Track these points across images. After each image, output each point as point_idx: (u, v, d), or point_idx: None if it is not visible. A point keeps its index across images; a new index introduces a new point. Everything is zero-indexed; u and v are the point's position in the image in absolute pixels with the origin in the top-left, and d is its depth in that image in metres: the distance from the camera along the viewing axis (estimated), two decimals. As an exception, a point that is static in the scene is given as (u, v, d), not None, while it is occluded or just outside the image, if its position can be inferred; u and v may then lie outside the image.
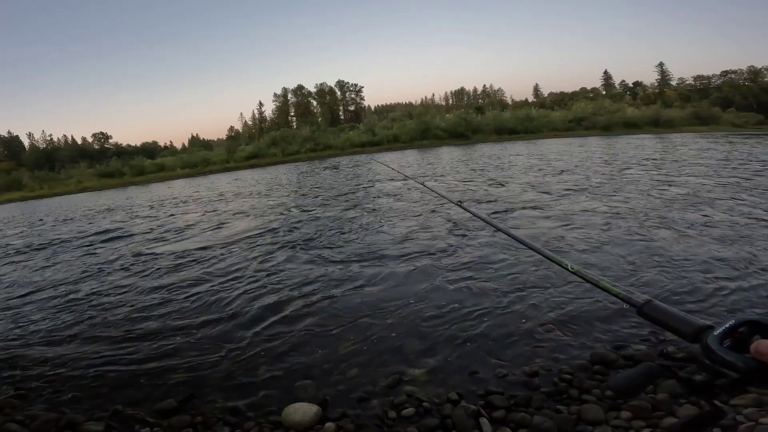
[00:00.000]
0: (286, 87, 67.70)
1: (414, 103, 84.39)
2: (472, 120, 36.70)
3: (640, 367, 0.70)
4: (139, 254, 6.74)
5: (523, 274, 4.18)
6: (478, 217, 1.55)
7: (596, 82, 67.16)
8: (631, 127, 33.74)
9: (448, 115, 40.79)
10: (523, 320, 3.28)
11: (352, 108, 67.47)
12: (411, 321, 3.42)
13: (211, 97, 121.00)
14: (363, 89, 67.50)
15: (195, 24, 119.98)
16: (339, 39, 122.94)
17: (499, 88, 79.78)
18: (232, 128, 75.02)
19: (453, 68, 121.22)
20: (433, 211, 7.59)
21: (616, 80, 65.04)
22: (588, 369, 2.55)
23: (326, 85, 66.22)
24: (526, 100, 68.75)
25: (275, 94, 68.23)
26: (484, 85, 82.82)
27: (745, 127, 35.92)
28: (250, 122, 72.35)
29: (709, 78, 55.80)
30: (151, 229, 9.20)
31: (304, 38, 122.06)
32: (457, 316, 3.44)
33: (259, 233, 7.29)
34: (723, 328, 0.60)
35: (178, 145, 73.56)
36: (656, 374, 0.71)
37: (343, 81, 66.65)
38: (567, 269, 1.02)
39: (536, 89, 73.65)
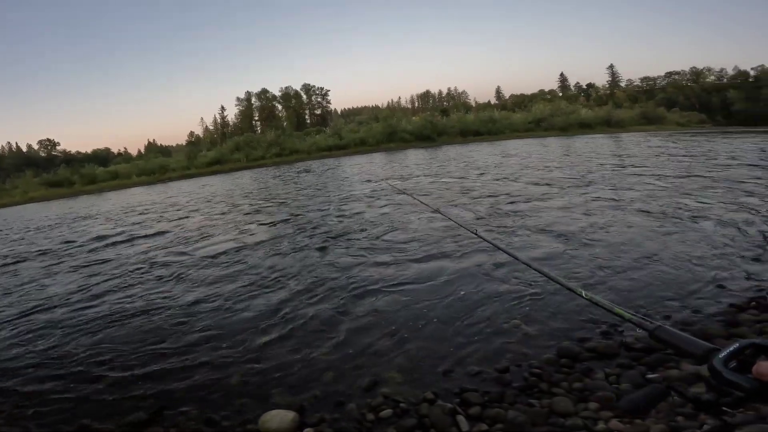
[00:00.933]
0: (250, 91, 66.29)
1: (381, 106, 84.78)
2: (437, 122, 37.33)
3: (648, 388, 0.73)
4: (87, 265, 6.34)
5: (489, 275, 4.31)
6: (496, 247, 1.59)
7: (553, 84, 70.00)
8: (585, 127, 35.55)
9: (414, 118, 41.31)
10: (491, 318, 3.38)
11: (318, 112, 66.83)
12: (382, 325, 3.45)
13: (169, 101, 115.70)
14: (329, 93, 67.22)
15: (148, 24, 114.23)
16: (305, 42, 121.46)
17: (464, 91, 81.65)
18: (192, 133, 72.49)
19: (419, 71, 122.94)
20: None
21: (572, 82, 68.33)
22: (555, 363, 2.67)
23: (292, 88, 65.26)
24: (489, 102, 70.80)
25: (238, 98, 66.54)
26: (449, 88, 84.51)
27: (689, 126, 38.67)
28: (211, 127, 70.05)
29: (654, 79, 59.77)
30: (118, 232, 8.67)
31: (269, 42, 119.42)
32: (428, 317, 3.51)
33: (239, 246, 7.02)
34: (728, 350, 0.63)
35: (134, 152, 69.95)
36: (664, 395, 0.75)
37: (309, 84, 65.96)
38: (581, 296, 1.07)
39: (498, 91, 75.91)
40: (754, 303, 3.15)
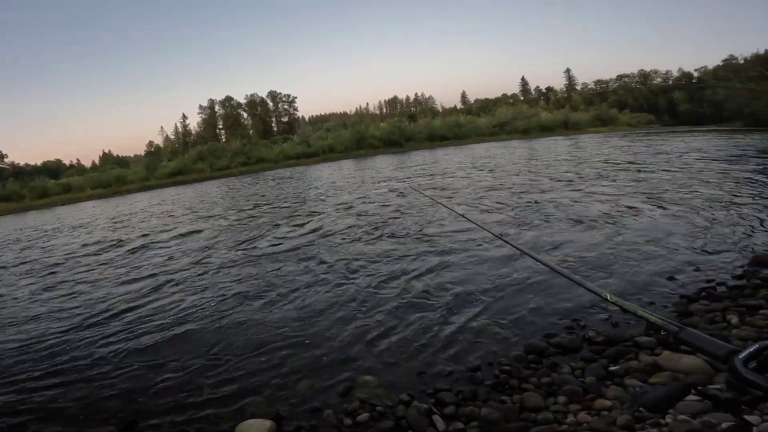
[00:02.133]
0: (213, 98, 64.22)
1: (349, 112, 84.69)
2: (405, 128, 37.79)
3: (669, 386, 0.76)
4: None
5: (453, 274, 4.43)
6: (520, 250, 1.64)
7: (515, 88, 72.60)
8: (545, 130, 37.13)
9: (382, 124, 41.56)
10: (460, 318, 3.48)
11: (285, 119, 65.78)
12: (353, 330, 3.48)
13: (125, 109, 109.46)
14: (296, 100, 66.40)
15: (101, 27, 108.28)
16: (270, 49, 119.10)
17: (430, 96, 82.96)
18: (151, 143, 69.40)
19: (386, 77, 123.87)
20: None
21: (532, 86, 71.04)
22: (524, 359, 2.77)
23: (257, 96, 63.97)
24: (455, 107, 72.33)
25: (201, 106, 64.44)
26: (416, 94, 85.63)
27: (638, 126, 41.12)
28: (172, 136, 67.46)
29: (607, 82, 63.24)
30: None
31: (233, 48, 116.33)
32: (396, 320, 3.57)
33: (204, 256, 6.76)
34: (748, 351, 0.67)
35: (87, 163, 65.99)
36: (683, 393, 0.79)
37: (275, 92, 64.82)
38: (606, 299, 1.11)
39: (464, 96, 77.78)
40: (704, 293, 3.37)
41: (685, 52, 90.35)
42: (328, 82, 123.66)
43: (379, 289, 4.30)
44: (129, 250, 8.03)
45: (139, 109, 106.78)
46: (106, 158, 69.31)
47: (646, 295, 3.53)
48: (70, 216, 17.46)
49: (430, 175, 14.56)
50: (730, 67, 33.93)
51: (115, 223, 12.80)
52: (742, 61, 32.38)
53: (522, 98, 66.84)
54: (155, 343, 3.70)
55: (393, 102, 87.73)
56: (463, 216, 2.78)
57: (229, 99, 63.47)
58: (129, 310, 4.61)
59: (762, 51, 29.75)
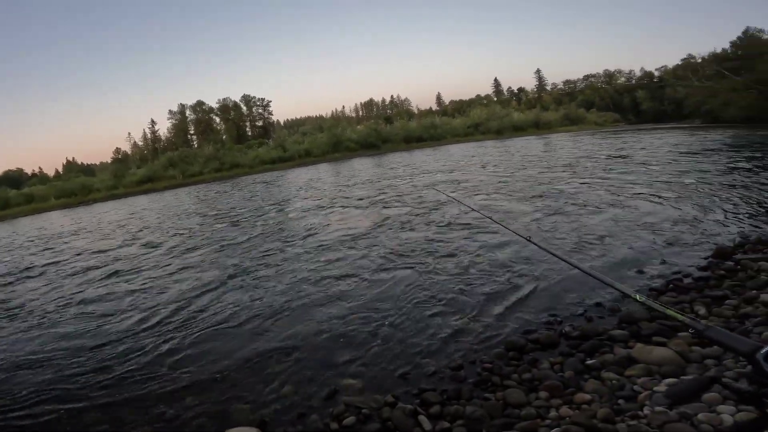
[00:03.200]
0: (184, 103, 62.46)
1: (325, 115, 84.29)
2: (382, 130, 37.91)
3: (694, 379, 0.78)
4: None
5: (432, 274, 4.47)
6: (549, 252, 1.61)
7: (489, 89, 74.06)
8: (518, 129, 38.07)
9: (359, 127, 41.64)
10: (440, 317, 3.53)
11: (260, 124, 64.65)
12: (333, 335, 3.48)
13: (89, 115, 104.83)
14: (271, 103, 65.29)
15: (61, 26, 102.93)
16: (243, 52, 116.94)
17: (406, 98, 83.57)
18: (118, 150, 66.82)
19: (363, 80, 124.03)
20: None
21: (504, 87, 72.71)
22: (504, 356, 2.83)
23: (230, 100, 62.54)
24: (431, 108, 73.17)
25: (171, 111, 62.47)
26: (392, 96, 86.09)
27: (605, 125, 42.73)
28: (140, 142, 65.22)
29: (575, 82, 65.45)
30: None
31: (203, 52, 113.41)
32: (378, 322, 3.58)
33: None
34: None
35: (50, 172, 62.85)
36: (708, 386, 0.82)
37: (249, 95, 63.54)
38: (635, 299, 1.16)
39: (439, 98, 78.75)
40: (671, 285, 3.51)
41: (647, 51, 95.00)
42: (304, 86, 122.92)
43: (355, 293, 4.30)
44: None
45: (104, 114, 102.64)
46: (70, 166, 66.25)
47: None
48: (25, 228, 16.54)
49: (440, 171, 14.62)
50: (688, 66, 35.63)
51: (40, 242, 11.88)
52: (699, 60, 34.09)
53: (495, 99, 68.35)
54: (132, 356, 3.59)
55: (369, 105, 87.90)
56: (490, 218, 2.82)
57: (200, 103, 61.94)
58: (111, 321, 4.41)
59: (719, 50, 31.39)
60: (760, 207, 5.79)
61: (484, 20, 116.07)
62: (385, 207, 9.03)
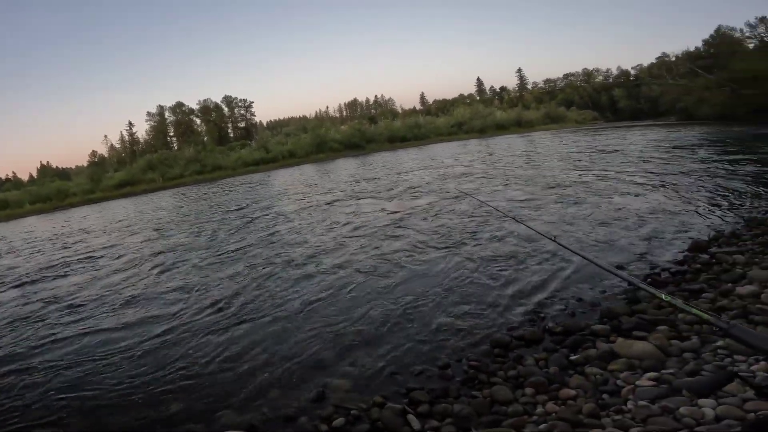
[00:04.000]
0: (162, 105, 60.90)
1: (308, 116, 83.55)
2: (366, 130, 37.82)
3: (715, 373, 0.81)
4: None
5: (416, 276, 4.51)
6: (576, 253, 1.63)
7: (471, 88, 74.63)
8: (501, 128, 38.54)
9: (342, 127, 41.39)
10: (426, 316, 3.56)
11: (242, 125, 63.61)
12: (322, 335, 3.47)
13: (64, 117, 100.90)
14: (253, 104, 64.26)
15: (32, 29, 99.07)
16: (223, 53, 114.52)
17: (390, 98, 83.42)
18: (95, 153, 64.71)
19: (346, 80, 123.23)
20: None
21: (487, 86, 73.33)
22: (490, 354, 2.87)
23: (211, 101, 61.20)
24: (414, 108, 73.30)
25: (149, 113, 60.80)
26: (376, 96, 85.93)
27: (585, 123, 43.65)
28: (118, 145, 63.40)
29: (555, 81, 66.66)
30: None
31: (182, 52, 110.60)
32: (364, 322, 3.60)
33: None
34: None
35: (24, 176, 60.46)
36: (728, 380, 0.85)
37: (230, 96, 62.29)
38: (662, 299, 1.20)
39: (422, 97, 78.82)
40: (649, 280, 3.59)
41: (624, 50, 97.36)
42: (287, 87, 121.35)
43: (337, 295, 4.30)
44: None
45: (79, 116, 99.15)
46: (45, 170, 63.94)
47: (599, 285, 3.72)
48: None
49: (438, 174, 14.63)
50: (663, 64, 36.76)
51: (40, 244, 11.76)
52: (673, 59, 35.17)
53: (478, 98, 68.88)
54: (117, 361, 3.53)
55: (353, 104, 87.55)
56: (513, 218, 2.79)
57: (180, 105, 60.57)
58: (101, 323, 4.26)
59: (692, 48, 32.43)
60: (734, 201, 6.01)
61: (466, 19, 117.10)
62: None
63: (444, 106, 63.03)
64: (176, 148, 51.79)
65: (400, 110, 72.23)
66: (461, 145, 28.23)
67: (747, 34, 31.96)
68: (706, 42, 32.27)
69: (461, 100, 66.96)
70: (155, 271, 6.37)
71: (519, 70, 68.96)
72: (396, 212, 7.99)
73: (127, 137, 62.81)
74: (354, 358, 3.05)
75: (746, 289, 2.90)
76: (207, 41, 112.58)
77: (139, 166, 35.25)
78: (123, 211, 17.30)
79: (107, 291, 5.72)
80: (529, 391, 2.34)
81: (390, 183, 12.61)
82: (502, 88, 70.62)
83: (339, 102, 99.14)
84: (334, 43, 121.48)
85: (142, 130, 62.98)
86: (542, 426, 2.00)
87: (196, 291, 5.09)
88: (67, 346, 4.02)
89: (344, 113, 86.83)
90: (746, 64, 21.80)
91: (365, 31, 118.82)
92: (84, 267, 7.52)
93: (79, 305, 5.26)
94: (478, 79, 73.57)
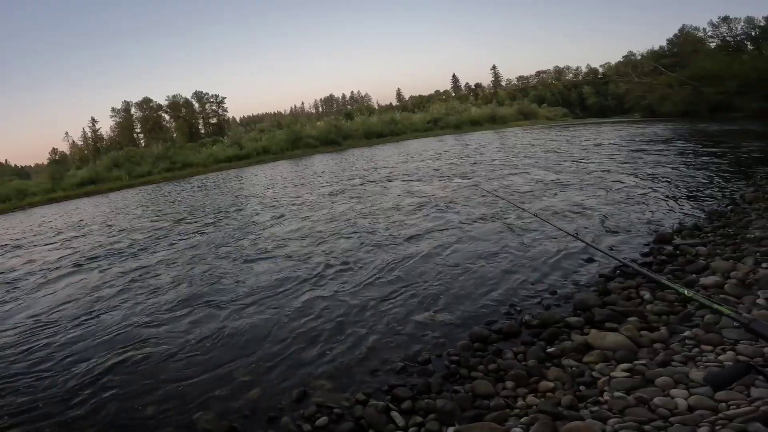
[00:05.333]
0: (128, 100, 58.39)
1: (283, 112, 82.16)
2: (342, 126, 37.46)
3: (732, 366, 0.83)
4: None
5: (396, 270, 4.54)
6: (598, 250, 1.61)
7: (447, 84, 75.35)
8: (475, 124, 39.07)
9: (318, 123, 40.75)
10: (405, 312, 3.58)
11: (214, 121, 61.74)
12: (299, 334, 3.44)
13: (21, 114, 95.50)
14: (225, 100, 62.42)
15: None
16: (193, 47, 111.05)
17: (366, 94, 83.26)
18: (55, 150, 61.63)
19: (322, 76, 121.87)
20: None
21: (462, 82, 74.20)
22: (470, 348, 2.90)
23: (180, 96, 59.04)
24: (391, 104, 73.30)
25: (113, 109, 58.15)
26: (352, 92, 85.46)
27: (556, 119, 44.86)
28: (80, 142, 60.38)
29: (527, 78, 68.23)
30: None
31: (149, 46, 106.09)
32: (343, 319, 3.59)
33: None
34: None
35: (-19, 175, 56.67)
36: (744, 372, 0.87)
37: (201, 92, 60.33)
38: (684, 295, 1.25)
39: (399, 93, 78.89)
40: (618, 272, 3.71)
41: (593, 49, 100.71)
42: (261, 82, 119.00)
43: (313, 292, 4.27)
44: None
45: (38, 113, 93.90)
46: (3, 169, 60.16)
47: (572, 277, 3.83)
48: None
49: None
50: (629, 63, 38.17)
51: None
52: (639, 57, 36.56)
53: (453, 94, 69.58)
54: (91, 367, 3.39)
55: (329, 100, 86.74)
56: (535, 216, 2.72)
57: (147, 100, 58.21)
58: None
59: (656, 47, 33.79)
60: (696, 194, 6.32)
61: (442, 16, 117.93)
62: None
63: (420, 103, 63.28)
64: (143, 145, 49.84)
65: (376, 106, 72.00)
66: (438, 140, 28.44)
67: (709, 34, 33.62)
68: (670, 41, 33.71)
69: (437, 97, 67.44)
70: (127, 273, 6.10)
71: (493, 68, 70.22)
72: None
73: (89, 134, 59.97)
74: (334, 356, 3.03)
75: (710, 280, 3.05)
76: (176, 36, 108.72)
77: (103, 164, 33.70)
78: (86, 212, 16.47)
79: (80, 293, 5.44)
80: (509, 384, 2.39)
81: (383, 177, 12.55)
82: (477, 85, 71.66)
83: (315, 98, 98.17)
84: (309, 38, 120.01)
85: (106, 126, 60.43)
86: (524, 419, 2.03)
87: (166, 289, 4.92)
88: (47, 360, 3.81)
89: (320, 109, 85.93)
90: (707, 63, 22.88)
91: (342, 27, 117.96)
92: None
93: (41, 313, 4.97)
94: (454, 75, 74.43)
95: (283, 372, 2.94)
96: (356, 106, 74.09)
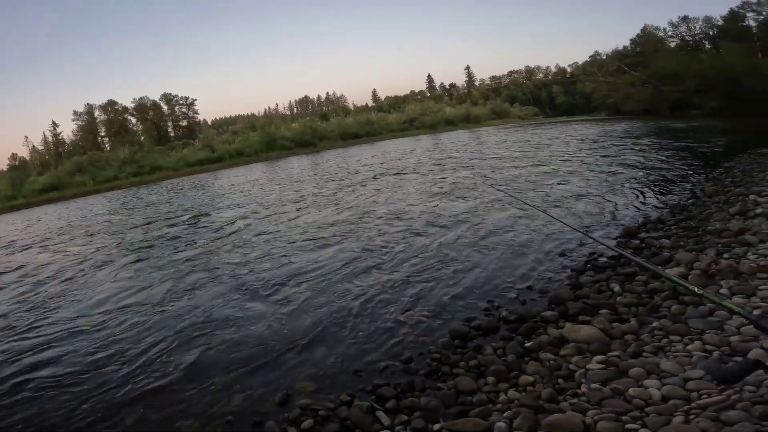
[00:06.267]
0: (92, 103, 55.88)
1: (257, 114, 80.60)
2: (317, 127, 37.10)
3: (741, 362, 0.86)
4: None
5: (379, 272, 4.55)
6: (608, 247, 1.60)
7: (422, 84, 76.00)
8: (450, 124, 39.59)
9: (293, 124, 40.22)
10: (385, 312, 3.60)
11: (184, 123, 59.84)
12: (279, 338, 3.41)
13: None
14: (196, 102, 60.56)
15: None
16: (161, 48, 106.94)
17: (342, 95, 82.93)
18: (14, 156, 58.69)
19: (297, 76, 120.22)
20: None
21: (437, 82, 74.97)
22: (451, 345, 2.94)
23: (148, 99, 56.95)
24: (367, 105, 73.21)
25: (76, 112, 55.65)
26: (328, 93, 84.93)
27: (527, 118, 46.01)
28: (41, 147, 57.42)
29: (500, 78, 69.64)
30: None
31: (114, 46, 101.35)
32: (322, 321, 3.57)
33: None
34: None
35: (-64, 185, 52.80)
36: (755, 367, 0.90)
37: (170, 94, 58.34)
38: (694, 293, 1.31)
39: (374, 94, 78.89)
40: (589, 266, 3.85)
41: (562, 48, 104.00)
42: (233, 83, 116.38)
43: (290, 297, 4.23)
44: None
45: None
46: (-43, 177, 56.35)
47: (546, 272, 3.94)
48: None
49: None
50: (595, 62, 39.52)
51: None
52: (604, 57, 37.85)
53: (429, 94, 70.21)
54: (69, 375, 3.30)
55: (304, 101, 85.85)
56: (545, 213, 2.66)
57: (112, 103, 55.87)
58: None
59: (621, 47, 35.11)
60: (660, 188, 6.63)
61: (417, 16, 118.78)
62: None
63: (396, 103, 63.51)
64: (108, 149, 47.82)
65: (352, 107, 71.85)
66: (414, 140, 28.63)
67: (669, 33, 35.22)
68: (633, 41, 35.10)
69: (413, 97, 67.91)
70: (96, 274, 5.83)
71: (467, 68, 71.24)
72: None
73: (51, 138, 57.12)
74: (315, 359, 3.02)
75: (674, 271, 3.20)
76: (143, 36, 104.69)
77: (65, 169, 32.12)
78: (52, 219, 15.65)
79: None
80: (491, 379, 2.43)
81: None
82: (452, 85, 72.58)
83: (289, 99, 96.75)
84: (283, 39, 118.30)
85: (68, 130, 57.55)
86: (507, 413, 2.08)
87: (140, 303, 4.74)
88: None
89: (295, 110, 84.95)
90: (667, 63, 23.92)
91: (316, 28, 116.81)
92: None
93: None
94: (429, 75, 75.18)
95: (264, 376, 2.91)
96: (332, 107, 73.72)
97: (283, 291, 4.40)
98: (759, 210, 4.23)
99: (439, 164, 13.03)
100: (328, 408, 2.44)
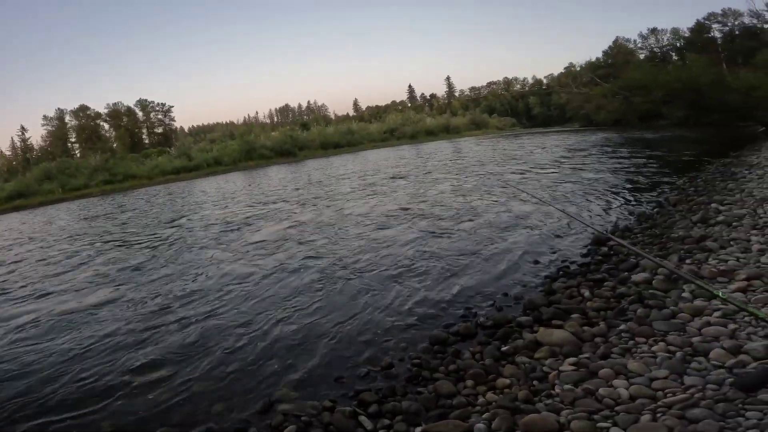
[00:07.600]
0: (62, 108, 53.92)
1: (236, 122, 79.62)
2: (298, 137, 36.92)
3: (759, 370, 0.91)
4: None
5: (357, 281, 4.58)
6: (627, 247, 1.65)
7: (403, 95, 76.89)
8: (430, 134, 40.21)
9: (273, 133, 39.90)
10: (364, 319, 3.65)
11: (159, 130, 58.43)
12: (259, 344, 3.42)
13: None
14: (173, 109, 59.29)
15: None
16: (137, 53, 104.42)
17: (323, 104, 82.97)
18: (-20, 161, 55.52)
19: (277, 85, 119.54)
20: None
21: (418, 93, 75.98)
22: (430, 350, 3.02)
23: (122, 104, 55.41)
24: (348, 114, 73.45)
25: (45, 117, 53.63)
26: (309, 102, 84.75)
27: (505, 129, 47.19)
28: (8, 152, 55.03)
29: (479, 89, 71.29)
30: None
31: (87, 49, 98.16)
32: (302, 327, 3.60)
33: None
34: None
35: None
36: None
37: (145, 100, 56.91)
38: (718, 296, 1.31)
39: (356, 104, 79.19)
40: (561, 272, 4.01)
41: (539, 60, 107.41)
42: (212, 91, 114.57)
43: (271, 302, 4.25)
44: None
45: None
46: None
47: (519, 279, 4.08)
48: None
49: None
50: (569, 74, 40.83)
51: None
52: (578, 69, 39.17)
53: (409, 105, 71.04)
54: (41, 384, 3.20)
55: (284, 110, 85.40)
56: (563, 212, 2.69)
57: (84, 108, 54.04)
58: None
59: (594, 59, 36.41)
60: (628, 196, 6.95)
61: (398, 26, 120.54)
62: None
63: (377, 113, 64.02)
64: (79, 155, 46.17)
65: (333, 116, 71.98)
66: (395, 150, 28.89)
67: (639, 45, 36.75)
68: (605, 53, 36.51)
69: (394, 107, 68.59)
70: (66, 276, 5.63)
71: (447, 78, 72.60)
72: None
73: (18, 144, 54.74)
74: (296, 366, 3.03)
75: (640, 277, 3.38)
76: (117, 40, 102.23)
77: (33, 176, 30.75)
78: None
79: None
80: (469, 383, 2.50)
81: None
82: (432, 96, 73.72)
83: (270, 107, 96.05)
84: (265, 46, 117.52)
85: (36, 136, 55.26)
86: (485, 415, 2.15)
87: (115, 309, 4.61)
88: None
89: (275, 119, 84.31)
90: (636, 74, 24.95)
91: (298, 36, 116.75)
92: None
93: None
94: (410, 86, 76.14)
95: (245, 384, 2.90)
96: (313, 116, 73.54)
97: (259, 300, 4.37)
98: (720, 218, 4.46)
99: (430, 172, 13.20)
100: (310, 414, 2.45)
